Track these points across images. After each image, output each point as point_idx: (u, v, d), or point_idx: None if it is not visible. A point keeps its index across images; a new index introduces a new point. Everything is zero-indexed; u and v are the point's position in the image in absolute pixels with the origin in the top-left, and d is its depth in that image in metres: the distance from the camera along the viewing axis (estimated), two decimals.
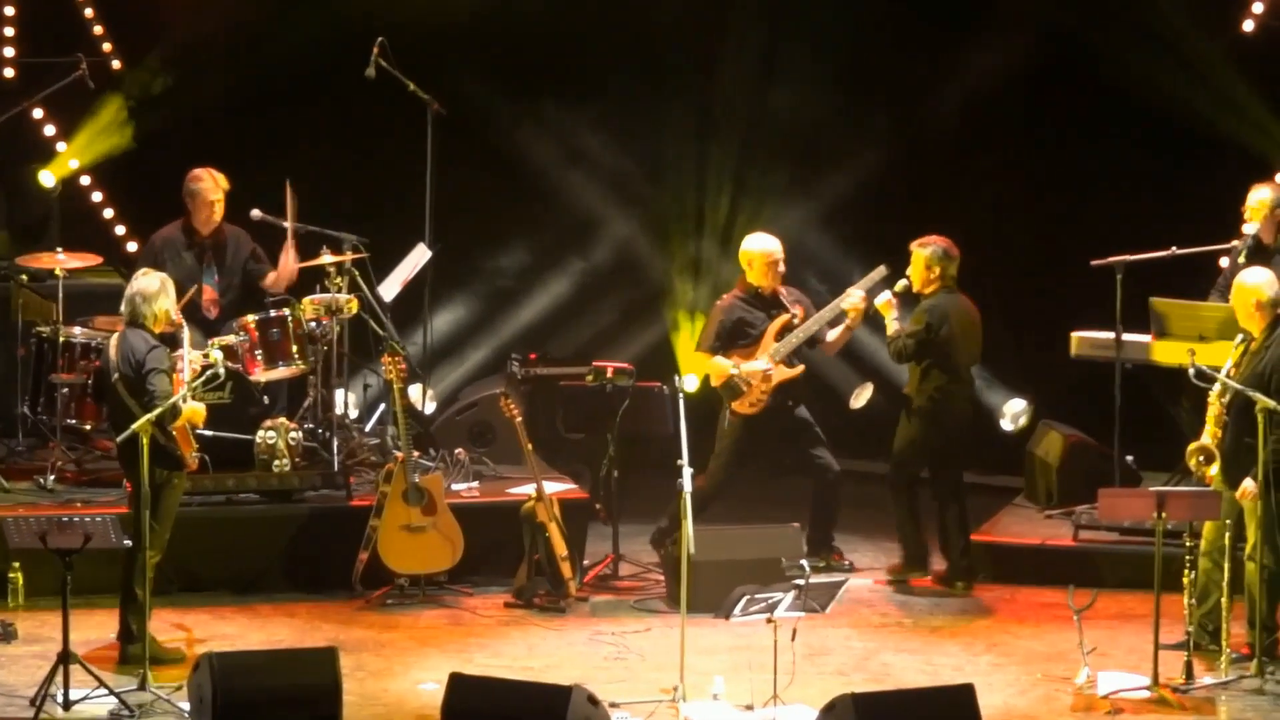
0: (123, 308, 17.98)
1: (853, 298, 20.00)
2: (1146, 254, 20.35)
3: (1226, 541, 17.98)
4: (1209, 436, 18.07)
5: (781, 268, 20.22)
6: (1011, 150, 22.17)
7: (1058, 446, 21.28)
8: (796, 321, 20.07)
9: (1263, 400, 17.65)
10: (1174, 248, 20.39)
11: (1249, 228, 20.19)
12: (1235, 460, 17.79)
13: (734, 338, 20.06)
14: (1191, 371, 19.30)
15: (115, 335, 17.94)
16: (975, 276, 21.29)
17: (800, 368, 20.24)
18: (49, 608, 17.79)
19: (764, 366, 20.00)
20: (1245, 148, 21.49)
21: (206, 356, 19.18)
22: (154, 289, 17.99)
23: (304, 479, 20.32)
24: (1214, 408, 18.09)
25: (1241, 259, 20.10)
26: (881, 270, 20.16)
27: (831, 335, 20.31)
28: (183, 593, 18.99)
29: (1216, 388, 18.11)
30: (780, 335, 20.05)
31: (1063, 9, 21.97)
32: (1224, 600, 17.94)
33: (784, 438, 20.31)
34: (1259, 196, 20.24)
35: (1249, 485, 17.72)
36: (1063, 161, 22.31)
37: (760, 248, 20.15)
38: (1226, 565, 18.01)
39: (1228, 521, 17.97)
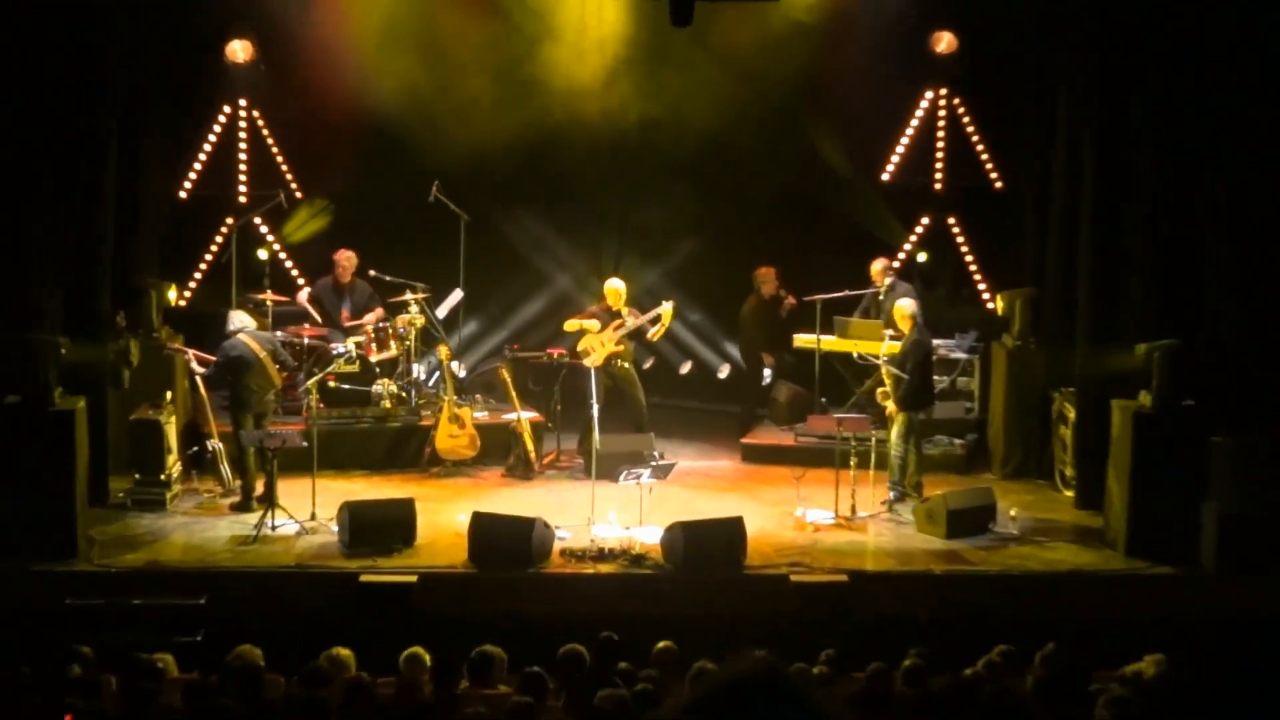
0: (235, 325, 18.35)
1: (663, 307, 19.86)
2: (833, 294, 20.31)
3: (893, 442, 18.47)
4: (884, 388, 18.67)
5: (622, 295, 20.03)
6: (777, 246, 21.65)
7: (788, 393, 21.29)
8: (628, 322, 19.91)
9: (895, 371, 18.28)
10: (846, 290, 20.40)
11: (877, 279, 20.50)
12: (895, 398, 18.35)
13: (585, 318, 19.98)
14: (856, 356, 19.92)
15: (243, 337, 18.17)
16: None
17: (622, 347, 19.96)
18: (264, 477, 18.02)
19: (601, 344, 19.84)
20: (878, 236, 21.47)
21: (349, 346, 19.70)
22: (248, 316, 18.70)
23: (395, 411, 20.35)
24: (885, 373, 18.56)
25: (882, 296, 20.49)
26: (671, 303, 20.00)
27: (650, 332, 20.01)
28: (333, 470, 18.92)
29: (883, 362, 18.63)
30: (617, 329, 19.91)
31: (789, 162, 21.56)
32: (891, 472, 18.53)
33: (612, 381, 19.97)
34: (875, 266, 20.55)
35: (890, 406, 18.32)
36: (797, 247, 21.66)
37: (611, 287, 20.05)
38: (893, 456, 18.56)
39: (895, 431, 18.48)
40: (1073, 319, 18.96)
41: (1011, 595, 16.52)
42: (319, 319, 20.80)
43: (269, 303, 20.34)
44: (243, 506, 18.14)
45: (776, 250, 21.58)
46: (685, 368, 21.90)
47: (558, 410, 20.48)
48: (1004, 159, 21.18)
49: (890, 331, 19.65)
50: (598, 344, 19.95)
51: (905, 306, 18.68)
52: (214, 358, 18.50)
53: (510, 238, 22.00)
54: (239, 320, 18.53)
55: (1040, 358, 19.78)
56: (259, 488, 18.12)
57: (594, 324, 20.02)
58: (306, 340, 20.17)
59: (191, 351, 19.01)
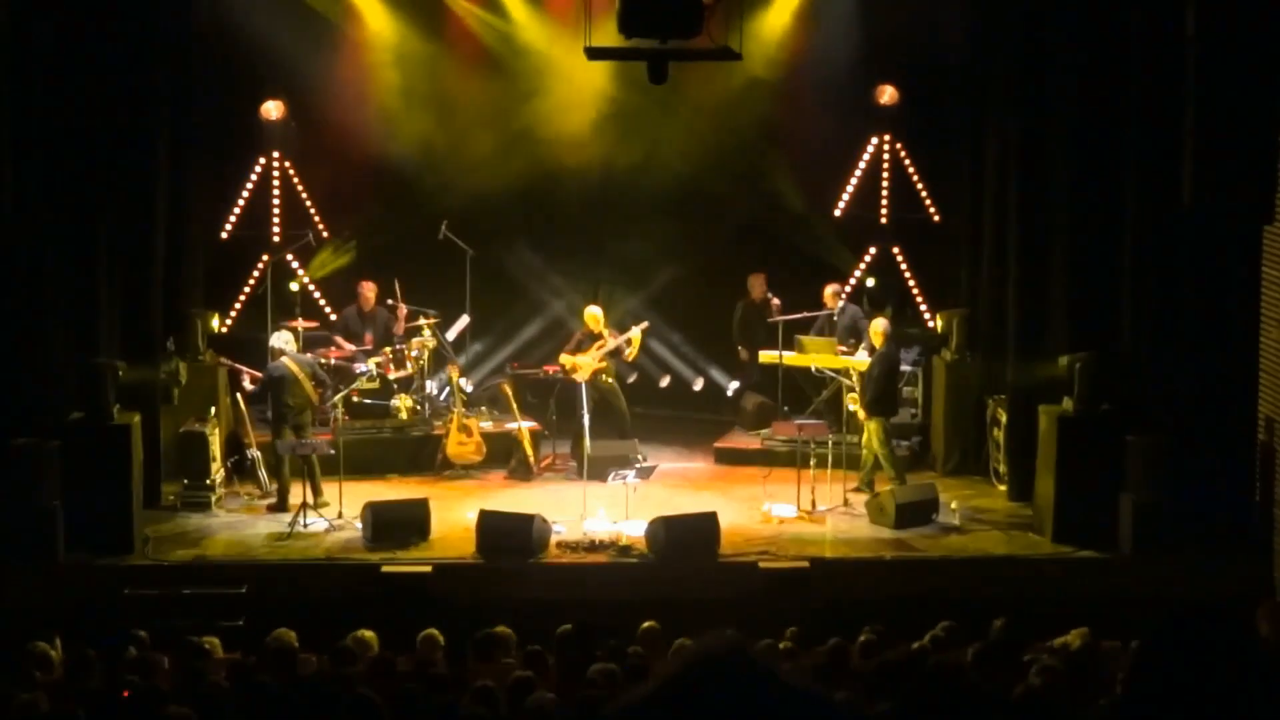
0: (287, 346, 18.52)
1: (633, 331, 19.86)
2: (792, 315, 20.28)
3: (865, 441, 18.53)
4: (856, 394, 18.74)
5: (600, 320, 19.92)
6: (744, 275, 21.38)
7: (755, 403, 21.10)
8: (609, 343, 19.77)
9: (855, 392, 18.34)
10: (804, 312, 20.32)
11: (830, 302, 20.46)
12: (864, 404, 18.34)
13: (578, 347, 19.84)
14: (814, 369, 19.90)
15: (285, 359, 18.30)
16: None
17: (605, 364, 19.83)
18: (297, 482, 18.11)
19: (586, 362, 19.76)
20: (831, 264, 21.35)
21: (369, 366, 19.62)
22: (291, 339, 18.76)
23: (411, 422, 20.27)
24: (856, 383, 18.66)
25: (835, 317, 20.48)
26: (644, 323, 20.15)
27: (625, 353, 19.94)
28: (356, 474, 18.65)
29: (855, 374, 18.85)
30: (599, 349, 19.79)
31: (754, 201, 21.43)
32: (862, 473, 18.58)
33: (599, 394, 19.78)
34: (828, 290, 20.49)
35: (859, 409, 18.33)
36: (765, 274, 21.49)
37: (589, 313, 19.99)
38: (865, 454, 18.61)
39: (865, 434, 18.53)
40: (1003, 335, 19.01)
41: (953, 578, 16.60)
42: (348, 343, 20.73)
43: (300, 329, 20.20)
44: (278, 507, 18.16)
45: (743, 279, 21.47)
46: (664, 381, 21.76)
47: (553, 420, 20.31)
48: (940, 196, 21.16)
49: (843, 347, 19.79)
50: (582, 362, 19.84)
51: (879, 325, 18.73)
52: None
53: (510, 270, 21.82)
54: (281, 342, 18.63)
55: (975, 369, 19.74)
56: (294, 491, 18.10)
57: (585, 359, 19.86)
58: (333, 361, 20.08)
59: (247, 372, 19.21)
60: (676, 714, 3.10)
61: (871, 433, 18.49)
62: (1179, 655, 3.82)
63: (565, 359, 20.00)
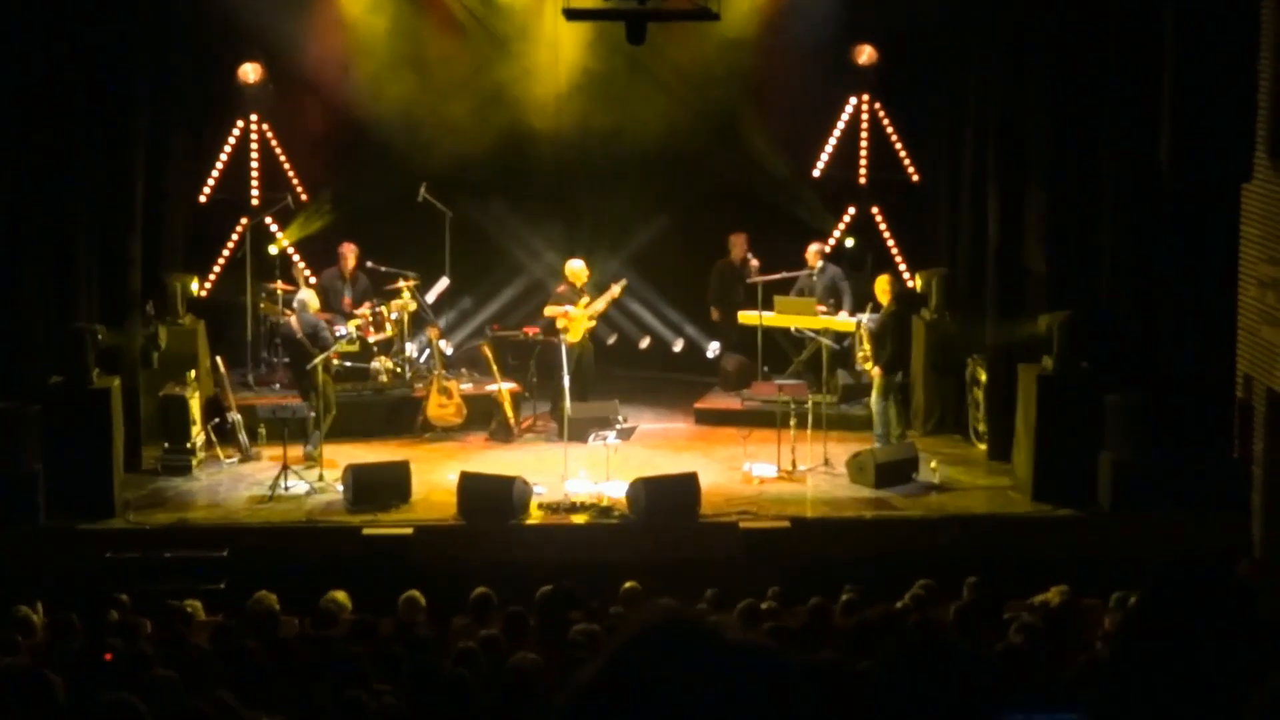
0: (295, 304, 18.70)
1: (613, 290, 19.85)
2: (772, 276, 20.25)
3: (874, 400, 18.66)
4: (864, 351, 18.85)
5: (583, 276, 19.91)
6: (725, 234, 21.16)
7: (735, 363, 20.99)
8: (594, 302, 19.74)
9: (867, 346, 18.31)
10: (784, 272, 20.36)
11: (812, 261, 20.40)
12: (876, 360, 18.40)
13: (560, 302, 19.78)
14: (794, 330, 19.90)
15: (293, 317, 18.52)
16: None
17: (592, 324, 19.85)
18: (276, 444, 18.04)
19: (578, 320, 19.66)
20: (810, 224, 21.18)
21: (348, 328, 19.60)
22: (312, 297, 18.57)
23: (391, 384, 20.24)
24: (864, 340, 18.74)
25: (814, 277, 20.45)
26: (623, 281, 20.16)
27: (598, 306, 19.88)
28: (339, 436, 18.74)
29: (863, 330, 18.87)
30: (584, 307, 19.68)
31: (734, 161, 21.14)
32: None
33: (579, 353, 19.62)
34: (809, 250, 20.41)
35: (871, 368, 18.39)
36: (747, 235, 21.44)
37: (572, 268, 19.97)
38: (875, 412, 18.71)
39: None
40: (982, 294, 18.99)
41: (933, 536, 16.62)
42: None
43: (280, 291, 20.17)
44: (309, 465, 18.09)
45: (723, 239, 21.36)
46: (644, 342, 21.70)
47: (534, 381, 20.27)
48: (919, 156, 21.17)
49: (822, 307, 19.77)
50: (575, 321, 19.76)
51: (885, 282, 18.82)
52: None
53: (489, 231, 21.70)
54: (297, 301, 18.89)
55: (955, 328, 19.74)
56: (274, 452, 18.12)
57: (575, 314, 19.80)
58: None
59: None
60: (624, 692, 3.01)
61: (879, 387, 18.59)
62: (1170, 611, 3.81)
63: (551, 309, 19.91)
